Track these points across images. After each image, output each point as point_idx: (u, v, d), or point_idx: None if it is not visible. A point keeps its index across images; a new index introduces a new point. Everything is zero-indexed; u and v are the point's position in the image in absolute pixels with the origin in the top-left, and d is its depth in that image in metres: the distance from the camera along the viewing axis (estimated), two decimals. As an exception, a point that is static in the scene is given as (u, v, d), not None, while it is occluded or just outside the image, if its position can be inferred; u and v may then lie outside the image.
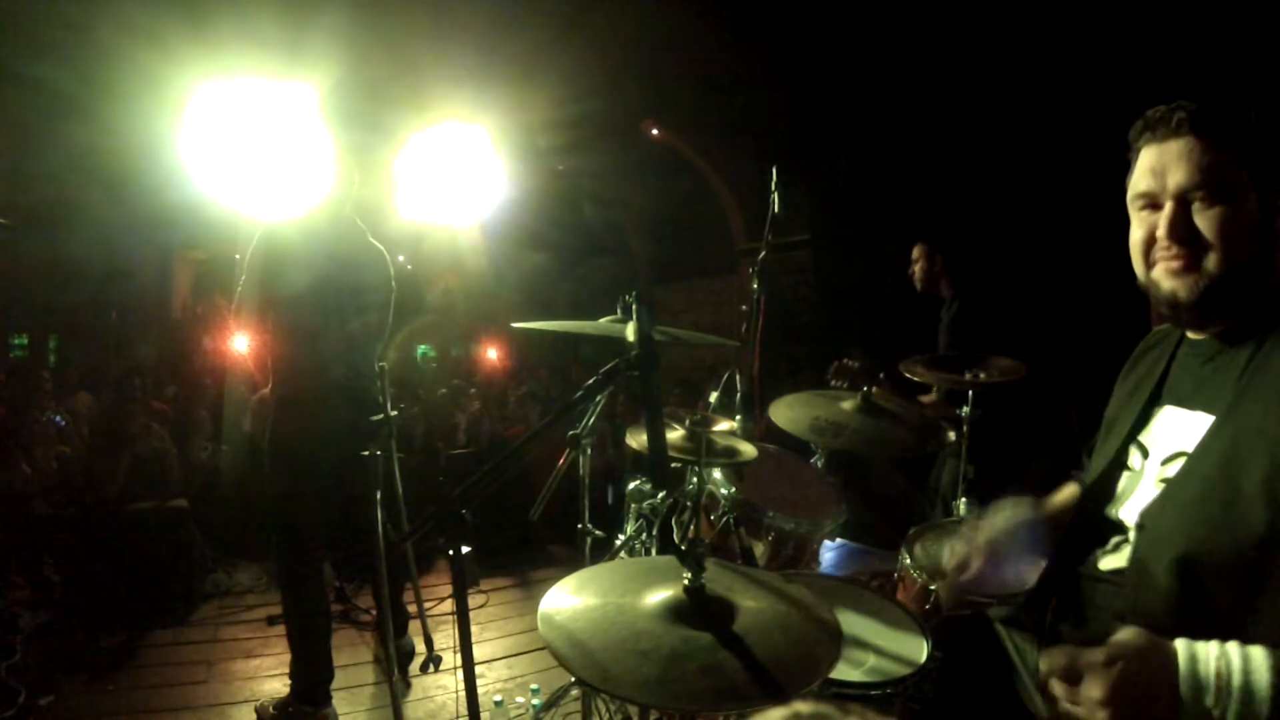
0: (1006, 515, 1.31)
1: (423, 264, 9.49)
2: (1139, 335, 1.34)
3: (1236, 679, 0.84)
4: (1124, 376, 1.32)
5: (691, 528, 2.12)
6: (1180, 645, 0.88)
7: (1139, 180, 1.10)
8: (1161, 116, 1.07)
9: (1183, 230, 1.04)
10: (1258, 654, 0.86)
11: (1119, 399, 1.30)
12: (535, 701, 2.60)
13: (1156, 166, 1.07)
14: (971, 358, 2.69)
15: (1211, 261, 1.03)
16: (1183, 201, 1.05)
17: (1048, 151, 4.63)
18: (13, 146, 5.90)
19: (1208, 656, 0.87)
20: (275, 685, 2.96)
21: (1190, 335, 1.18)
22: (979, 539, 1.30)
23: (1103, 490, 1.21)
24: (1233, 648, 0.87)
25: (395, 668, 2.70)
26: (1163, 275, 1.08)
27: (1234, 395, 1.04)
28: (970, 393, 2.60)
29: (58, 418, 4.62)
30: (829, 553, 2.47)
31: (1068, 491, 1.41)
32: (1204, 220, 1.03)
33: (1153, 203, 1.09)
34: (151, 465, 4.11)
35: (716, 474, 2.17)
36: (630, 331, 1.17)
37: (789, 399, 2.23)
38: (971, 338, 3.04)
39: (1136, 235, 1.13)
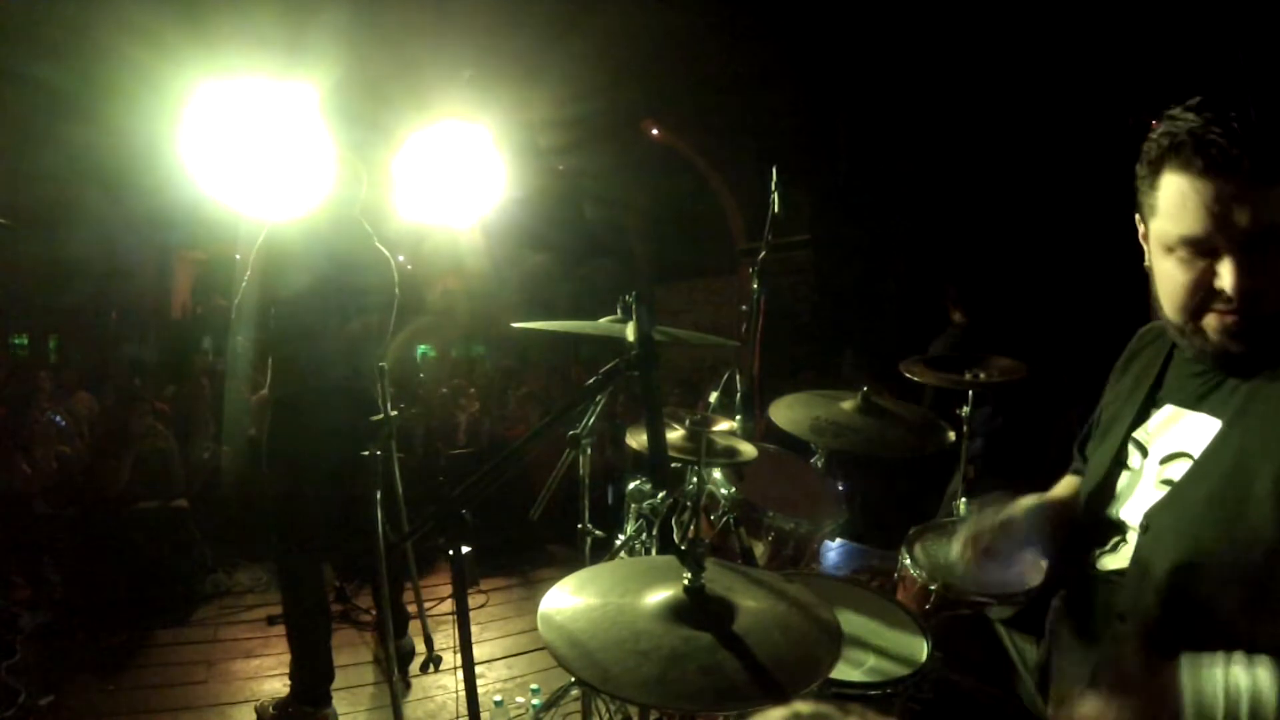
0: (1013, 507, 1.30)
1: (423, 264, 9.48)
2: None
3: (1245, 706, 0.84)
4: (1119, 373, 1.31)
5: (691, 528, 2.12)
6: (1185, 674, 0.88)
7: (1185, 219, 0.94)
8: (1206, 142, 0.90)
9: (1251, 283, 0.92)
10: (1264, 675, 0.86)
11: (1115, 396, 1.29)
12: (535, 701, 2.60)
13: (1213, 208, 0.91)
14: (971, 358, 2.69)
15: (1270, 312, 0.94)
16: (1247, 250, 0.91)
17: (1048, 150, 4.63)
18: (13, 146, 5.90)
19: (1213, 684, 0.86)
20: (275, 685, 2.96)
21: None
22: (991, 520, 1.29)
23: (1102, 490, 1.20)
24: (1239, 669, 0.86)
25: (395, 668, 2.70)
26: (1216, 330, 0.98)
27: (1242, 400, 1.02)
28: (970, 393, 2.60)
29: (58, 418, 4.62)
30: (830, 553, 2.47)
31: (1066, 483, 1.40)
32: (1270, 272, 0.92)
33: (1206, 248, 0.94)
34: (154, 464, 4.12)
35: (716, 474, 2.17)
36: (630, 331, 1.17)
37: (789, 399, 2.23)
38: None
39: (1181, 280, 0.98)
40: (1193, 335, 1.01)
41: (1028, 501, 1.31)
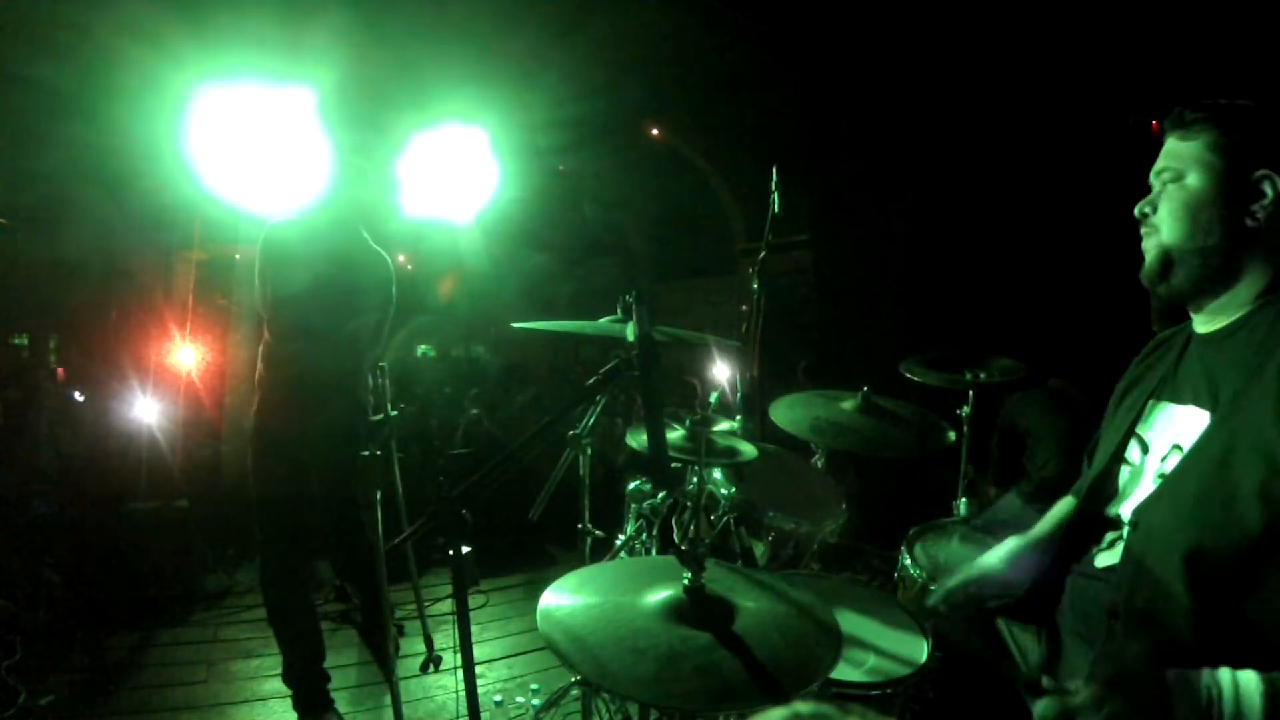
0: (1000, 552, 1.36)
1: (423, 264, 9.48)
2: (1139, 338, 1.34)
3: (1229, 707, 0.85)
4: (1127, 378, 1.33)
5: (691, 528, 2.12)
6: (1172, 676, 0.89)
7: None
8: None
9: (1146, 206, 1.18)
10: (1249, 680, 0.86)
11: (1119, 398, 1.30)
12: (535, 701, 2.60)
13: (1161, 154, 1.18)
14: (971, 357, 2.69)
15: (1163, 232, 1.15)
16: (1161, 179, 1.17)
17: (1048, 149, 4.63)
18: (13, 146, 5.90)
19: (1199, 686, 0.87)
20: (275, 685, 2.95)
21: (1196, 332, 1.18)
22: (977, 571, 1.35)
23: (1102, 488, 1.21)
24: (1224, 674, 0.87)
25: (395, 667, 2.70)
26: (1144, 245, 1.20)
27: (1232, 395, 1.04)
28: (970, 393, 2.60)
29: (76, 393, 4.61)
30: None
31: (1059, 509, 1.41)
32: (1163, 198, 1.16)
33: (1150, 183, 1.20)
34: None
35: (716, 474, 2.17)
36: (630, 331, 1.17)
37: (789, 399, 2.23)
38: None
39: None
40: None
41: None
